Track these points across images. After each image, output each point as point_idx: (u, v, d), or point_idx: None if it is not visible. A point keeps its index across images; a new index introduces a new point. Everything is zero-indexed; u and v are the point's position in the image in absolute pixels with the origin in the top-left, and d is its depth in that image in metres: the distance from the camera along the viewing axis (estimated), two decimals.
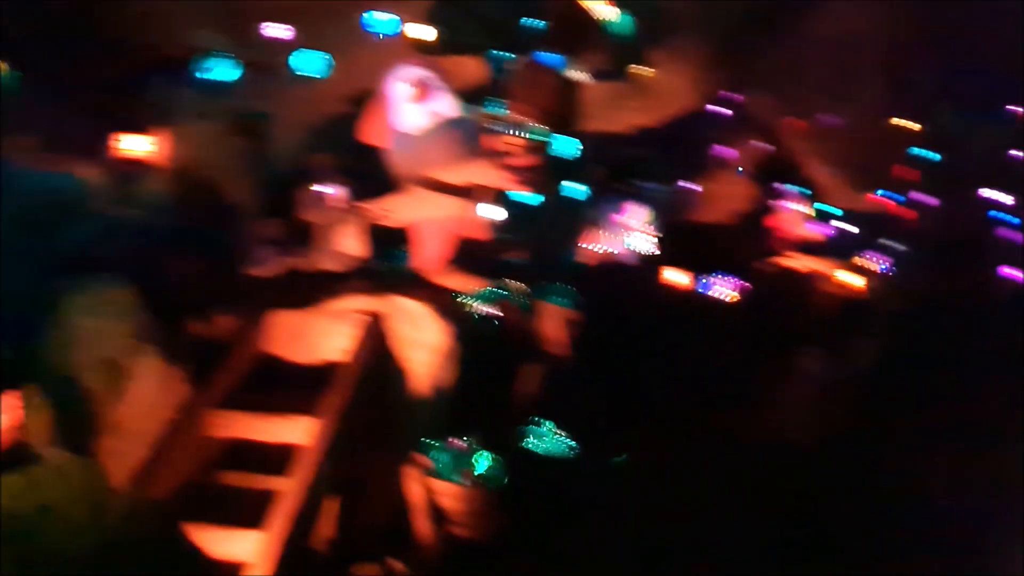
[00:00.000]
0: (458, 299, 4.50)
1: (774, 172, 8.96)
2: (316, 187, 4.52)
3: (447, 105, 4.16)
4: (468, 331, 4.57)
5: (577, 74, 4.24)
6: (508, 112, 4.19)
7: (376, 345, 4.03)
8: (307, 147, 5.16)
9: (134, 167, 4.87)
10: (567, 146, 6.00)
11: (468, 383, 4.45)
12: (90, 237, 4.06)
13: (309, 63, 5.09)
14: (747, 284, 7.40)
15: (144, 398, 3.47)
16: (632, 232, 7.49)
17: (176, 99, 4.91)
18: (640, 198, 8.17)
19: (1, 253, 3.56)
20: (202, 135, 4.88)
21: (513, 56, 4.54)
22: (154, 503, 3.14)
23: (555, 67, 4.22)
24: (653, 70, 6.25)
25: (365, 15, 5.24)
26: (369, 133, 4.17)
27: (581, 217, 6.64)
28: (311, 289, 4.24)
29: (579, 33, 4.30)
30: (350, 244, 4.50)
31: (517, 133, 4.10)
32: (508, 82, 4.30)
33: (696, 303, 7.45)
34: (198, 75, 5.02)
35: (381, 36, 5.17)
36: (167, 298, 3.93)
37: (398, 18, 5.13)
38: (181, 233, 4.65)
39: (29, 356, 3.14)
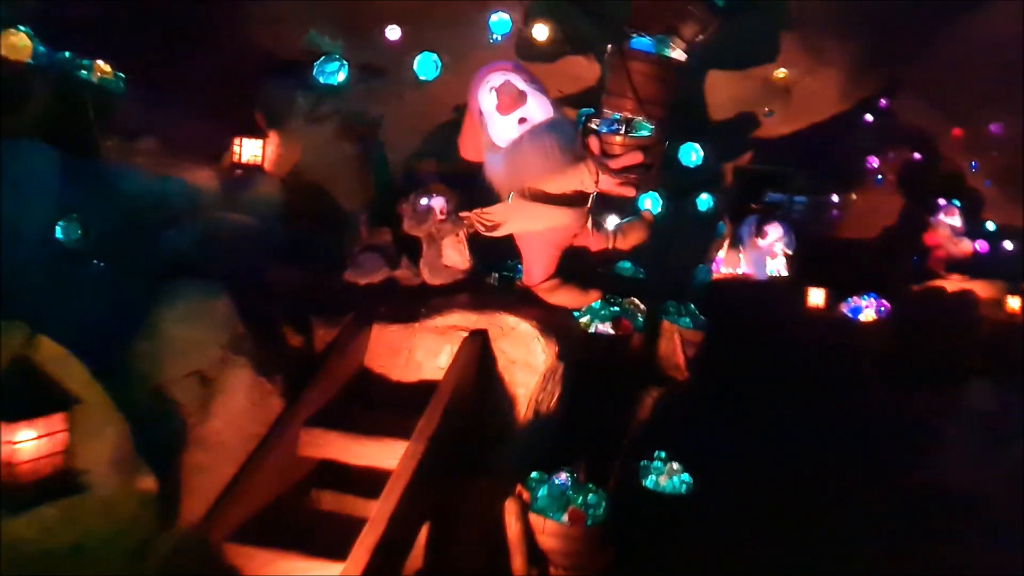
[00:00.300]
0: (568, 316, 4.21)
1: (930, 185, 8.62)
2: (420, 196, 4.31)
3: (539, 110, 3.82)
4: (578, 351, 4.28)
5: (676, 53, 3.79)
6: (609, 110, 3.82)
7: (476, 365, 3.78)
8: (418, 153, 5.04)
9: (247, 171, 4.87)
10: (689, 153, 5.64)
11: (576, 409, 4.17)
12: (193, 243, 4.01)
13: (426, 66, 4.92)
14: (898, 307, 6.96)
15: (234, 412, 3.37)
16: (768, 248, 7.12)
17: (290, 103, 4.86)
18: (778, 211, 7.80)
19: (98, 258, 3.53)
20: (314, 139, 4.82)
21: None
22: (204, 544, 2.94)
23: (649, 51, 3.80)
24: (786, 71, 5.76)
25: (490, 15, 5.02)
26: (466, 148, 3.94)
27: (708, 230, 6.26)
28: (413, 302, 4.04)
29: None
30: (454, 256, 4.28)
31: (621, 131, 3.75)
32: (605, 77, 3.93)
33: (839, 327, 7.02)
34: (312, 78, 4.95)
35: (495, 38, 4.93)
36: (266, 307, 3.84)
37: (509, 18, 4.89)
38: (288, 239, 4.61)
39: (116, 367, 3.05)
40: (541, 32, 4.90)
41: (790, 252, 7.44)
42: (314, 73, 4.92)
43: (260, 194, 4.77)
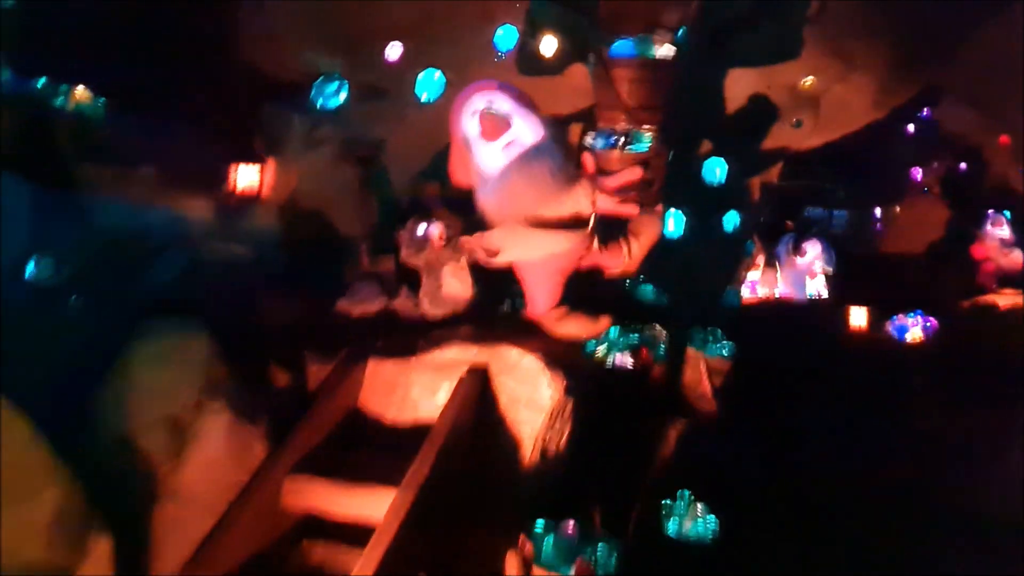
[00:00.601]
0: (578, 348, 3.94)
1: (977, 195, 8.12)
2: (421, 221, 4.09)
3: (528, 132, 3.52)
4: (591, 386, 4.01)
5: (662, 50, 3.44)
6: (604, 124, 3.52)
7: (476, 403, 3.53)
8: (423, 176, 4.82)
9: (243, 199, 4.69)
10: (714, 169, 5.37)
11: (590, 448, 3.89)
12: (178, 277, 3.82)
13: (429, 84, 4.71)
14: (946, 324, 6.60)
15: (210, 461, 3.16)
16: (807, 267, 6.80)
17: (287, 126, 4.68)
18: (817, 227, 7.47)
19: (75, 295, 3.36)
20: (312, 164, 4.63)
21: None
22: None
23: (632, 55, 3.45)
24: (813, 78, 5.43)
25: (498, 30, 4.79)
26: (457, 174, 3.70)
27: (736, 250, 5.95)
28: (413, 335, 3.80)
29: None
30: (455, 285, 4.05)
31: (618, 145, 3.45)
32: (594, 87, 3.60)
33: (883, 348, 6.67)
34: (311, 100, 4.76)
35: (501, 53, 4.70)
36: (255, 343, 3.64)
37: (515, 30, 4.65)
38: (285, 269, 4.41)
39: (81, 415, 2.85)
40: (549, 46, 4.65)
41: (830, 270, 7.08)
42: (312, 95, 4.73)
43: (257, 222, 4.57)
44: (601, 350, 4.68)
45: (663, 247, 5.57)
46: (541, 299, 3.84)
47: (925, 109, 7.60)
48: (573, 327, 3.86)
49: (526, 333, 3.83)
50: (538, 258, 3.71)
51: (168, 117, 4.71)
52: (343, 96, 4.76)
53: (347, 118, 4.76)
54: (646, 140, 3.45)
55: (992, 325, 7.14)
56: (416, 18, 4.78)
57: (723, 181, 5.47)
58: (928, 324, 6.64)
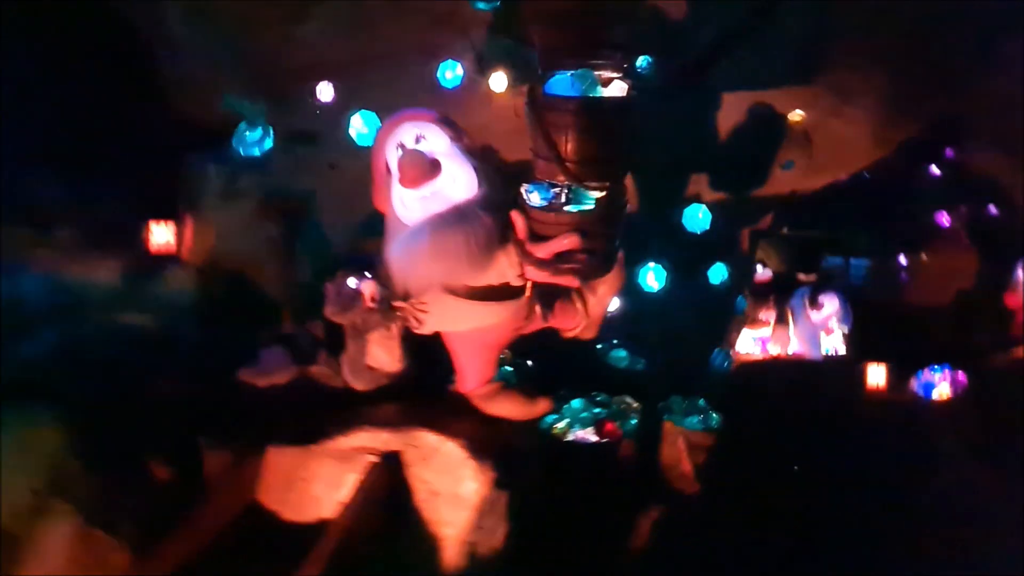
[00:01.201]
0: (517, 430, 3.43)
1: (1009, 241, 7.44)
2: (351, 275, 3.62)
3: (457, 184, 2.99)
4: (535, 474, 3.51)
5: (610, 88, 2.80)
6: (541, 176, 2.96)
7: (383, 502, 3.03)
8: (356, 232, 4.39)
9: (158, 261, 4.27)
10: (695, 215, 4.91)
11: (535, 551, 3.38)
12: (50, 354, 3.38)
13: (364, 128, 4.31)
14: (976, 380, 6.06)
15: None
16: (823, 323, 6.32)
17: (205, 178, 4.28)
18: (834, 280, 7.01)
19: None
20: (231, 220, 4.20)
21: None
22: None
23: (568, 95, 2.78)
24: (803, 113, 4.95)
25: (441, 66, 4.40)
26: (380, 201, 3.17)
27: (725, 307, 5.43)
28: (322, 415, 3.32)
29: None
30: (381, 356, 3.57)
31: (556, 204, 2.89)
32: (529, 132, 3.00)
33: (907, 409, 6.15)
34: (232, 148, 4.38)
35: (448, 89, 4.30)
36: (130, 432, 3.18)
37: (459, 65, 4.24)
38: (191, 341, 3.96)
39: None
40: (499, 82, 4.23)
41: (846, 329, 6.62)
42: (233, 142, 4.34)
43: (170, 287, 4.14)
44: (561, 425, 4.20)
45: (640, 305, 5.12)
46: (470, 373, 3.36)
47: (947, 149, 7.09)
48: (506, 406, 3.36)
49: (451, 413, 3.32)
50: (464, 330, 3.22)
51: (85, 174, 4.35)
52: (267, 144, 4.37)
53: (271, 169, 4.34)
54: (588, 199, 2.85)
55: None
56: (349, 56, 4.40)
57: (706, 228, 4.99)
58: (957, 381, 6.21)
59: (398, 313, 3.39)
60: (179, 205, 4.33)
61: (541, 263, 2.94)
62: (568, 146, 2.84)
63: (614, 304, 5.02)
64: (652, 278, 5.15)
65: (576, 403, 4.30)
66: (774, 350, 6.52)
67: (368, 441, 3.17)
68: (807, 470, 4.99)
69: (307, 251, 4.33)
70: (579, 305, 3.56)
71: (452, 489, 3.12)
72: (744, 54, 4.70)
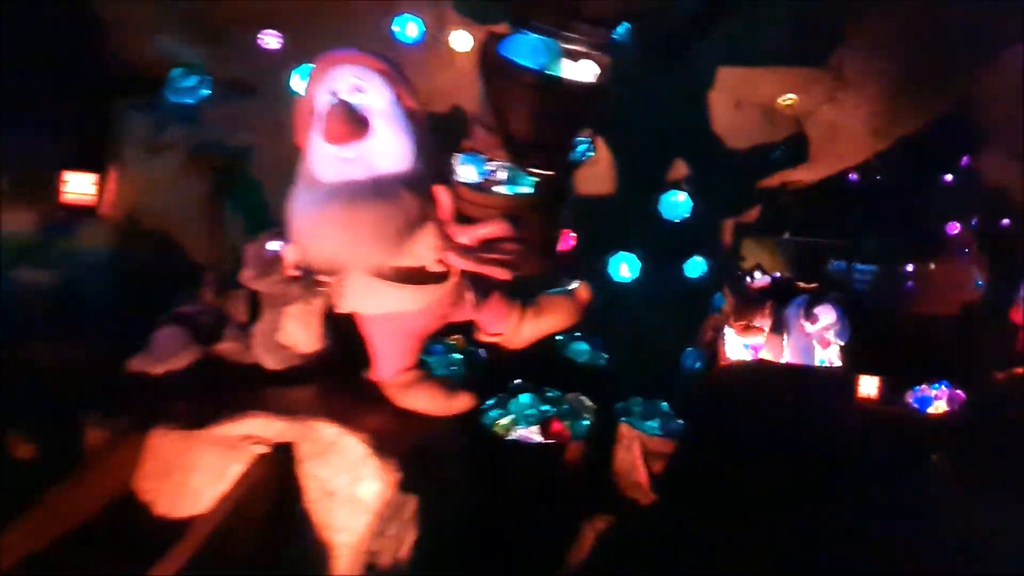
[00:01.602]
0: (434, 425, 3.04)
1: (1020, 254, 7.48)
2: (271, 238, 3.23)
3: (388, 153, 2.62)
4: (458, 476, 3.15)
5: (576, 68, 2.35)
6: (478, 148, 2.54)
7: (267, 500, 2.65)
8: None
9: (73, 213, 3.91)
10: (673, 203, 4.50)
11: (453, 564, 3.03)
12: None
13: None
14: (976, 397, 5.81)
15: None
16: (818, 335, 6.02)
17: (131, 126, 3.90)
18: (833, 292, 6.76)
19: None
20: (156, 174, 3.85)
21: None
22: None
23: (526, 65, 2.33)
24: (795, 97, 4.51)
25: (398, 21, 4.00)
26: (301, 137, 2.76)
27: (700, 303, 5.03)
28: (216, 397, 2.94)
29: None
30: (296, 333, 3.18)
31: (490, 182, 2.48)
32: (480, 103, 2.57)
33: (899, 423, 5.75)
34: (165, 97, 4.00)
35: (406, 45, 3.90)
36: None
37: (421, 21, 3.83)
38: (101, 305, 3.61)
39: None
40: (462, 41, 3.83)
41: (842, 343, 6.39)
42: (166, 90, 3.95)
43: (85, 243, 3.77)
44: (504, 422, 3.86)
45: (609, 296, 4.73)
46: (386, 361, 2.97)
47: (964, 157, 7.20)
48: (423, 399, 2.97)
49: (360, 405, 2.93)
50: (378, 314, 2.83)
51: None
52: (202, 92, 3.98)
53: (204, 121, 3.95)
54: (525, 183, 2.43)
55: None
56: (300, 5, 3.98)
57: (686, 216, 4.58)
58: (956, 397, 5.90)
59: (323, 289, 3.02)
60: (103, 155, 3.97)
61: (464, 250, 2.55)
62: (517, 122, 2.44)
63: None
64: (626, 268, 4.76)
65: (524, 398, 3.98)
66: (766, 358, 6.22)
67: (259, 429, 2.79)
68: (780, 486, 4.63)
69: (239, 210, 3.96)
70: (515, 315, 3.20)
71: (349, 489, 2.74)
72: (733, 27, 4.26)
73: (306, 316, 3.26)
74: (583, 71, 2.41)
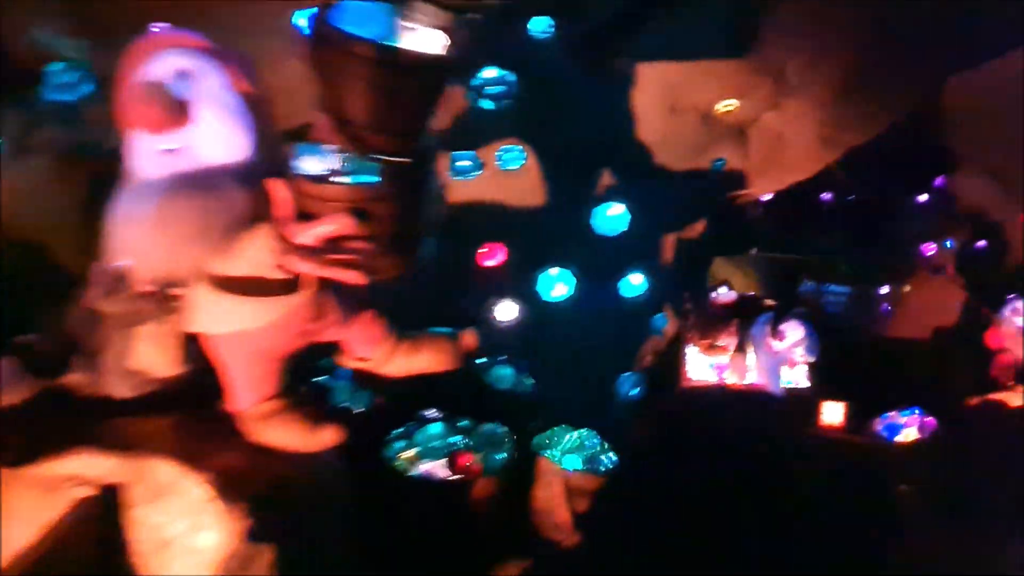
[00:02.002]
0: (294, 461, 2.66)
1: (996, 277, 7.53)
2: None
3: (215, 143, 2.32)
4: (326, 521, 2.78)
5: (422, 38, 2.01)
6: (317, 135, 2.21)
7: (88, 551, 2.28)
8: None
9: None
10: (607, 216, 4.18)
11: None
12: None
13: None
14: (947, 425, 5.37)
15: None
16: (786, 353, 5.77)
17: (3, 126, 3.56)
18: (802, 309, 6.56)
19: None
20: (24, 177, 3.49)
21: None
22: None
23: (362, 35, 2.00)
24: (736, 102, 4.19)
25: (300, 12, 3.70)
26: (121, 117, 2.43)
27: (640, 324, 4.70)
28: (42, 432, 2.56)
29: None
30: (149, 355, 2.80)
31: (329, 172, 2.15)
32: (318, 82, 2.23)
33: (865, 453, 5.51)
34: (42, 94, 3.66)
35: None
36: None
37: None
38: None
39: None
40: None
41: (812, 360, 6.16)
42: (43, 86, 3.61)
43: None
44: (408, 455, 3.51)
45: (537, 316, 4.39)
46: (240, 388, 2.59)
47: (939, 178, 7.25)
48: (280, 433, 2.60)
49: (208, 439, 2.56)
50: (223, 334, 2.47)
51: None
52: (84, 89, 3.65)
53: (81, 120, 3.62)
54: (368, 172, 2.08)
55: (1003, 427, 6.17)
56: None
57: (622, 231, 4.25)
58: (926, 425, 5.69)
59: (178, 305, 2.65)
60: None
61: (303, 251, 2.19)
62: (353, 102, 2.10)
63: (509, 312, 4.34)
64: (562, 287, 4.41)
65: (434, 428, 3.62)
66: (731, 379, 5.94)
67: (83, 468, 2.43)
68: (726, 523, 4.29)
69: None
70: (389, 343, 2.86)
71: (187, 539, 2.39)
72: (666, 22, 3.94)
73: (161, 337, 2.88)
74: (429, 42, 2.07)
